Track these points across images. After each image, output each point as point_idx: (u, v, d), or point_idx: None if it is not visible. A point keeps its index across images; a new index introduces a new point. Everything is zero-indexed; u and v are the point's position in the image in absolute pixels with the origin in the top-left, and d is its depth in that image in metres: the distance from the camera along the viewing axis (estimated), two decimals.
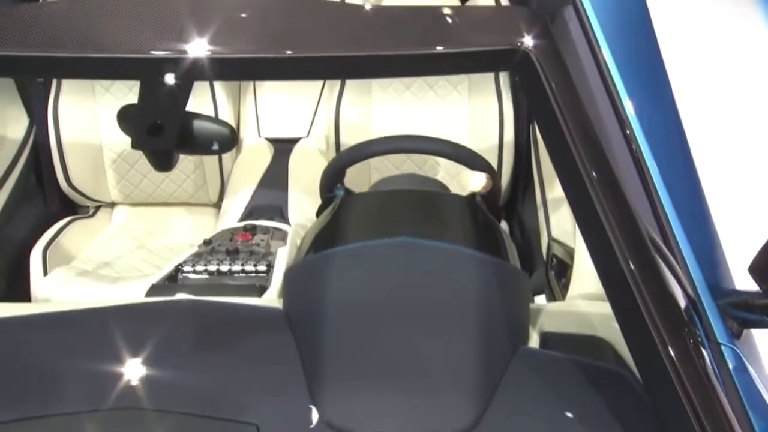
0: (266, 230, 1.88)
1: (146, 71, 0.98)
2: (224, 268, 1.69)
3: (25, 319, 1.08)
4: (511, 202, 2.34)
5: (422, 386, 0.96)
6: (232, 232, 1.87)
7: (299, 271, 1.20)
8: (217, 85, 2.29)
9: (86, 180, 2.36)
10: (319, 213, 1.62)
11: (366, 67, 1.03)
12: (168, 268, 1.71)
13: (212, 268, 1.69)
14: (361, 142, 1.66)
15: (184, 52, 0.93)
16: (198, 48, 0.93)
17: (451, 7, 1.04)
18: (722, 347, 0.92)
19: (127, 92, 2.27)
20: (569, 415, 0.94)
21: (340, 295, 1.08)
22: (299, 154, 2.43)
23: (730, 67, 1.35)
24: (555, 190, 1.90)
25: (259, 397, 0.96)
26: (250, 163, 2.38)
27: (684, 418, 0.81)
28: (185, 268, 1.69)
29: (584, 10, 1.57)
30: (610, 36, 1.46)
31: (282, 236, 1.87)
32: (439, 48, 0.98)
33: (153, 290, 1.62)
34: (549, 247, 1.75)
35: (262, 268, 1.69)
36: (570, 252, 1.58)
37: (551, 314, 1.17)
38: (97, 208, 2.48)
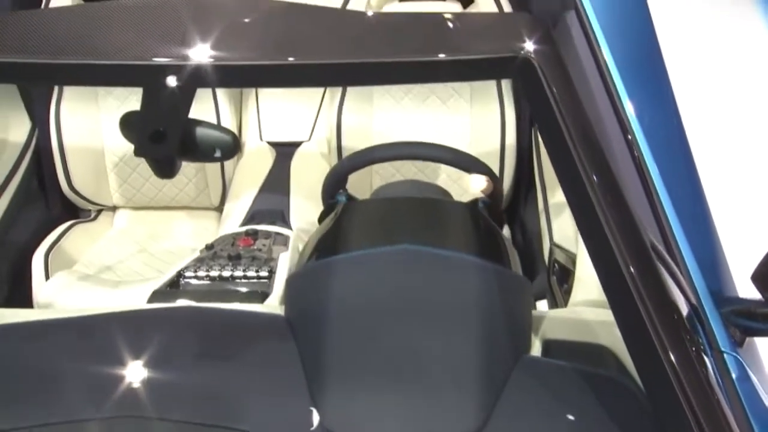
0: (268, 235, 1.88)
1: (148, 78, 0.98)
2: (226, 273, 1.69)
3: (27, 327, 1.08)
4: (512, 206, 2.34)
5: (425, 394, 0.96)
6: (234, 237, 1.87)
7: (301, 279, 1.20)
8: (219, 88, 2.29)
9: (88, 183, 2.36)
10: (321, 219, 1.62)
11: (368, 75, 1.03)
12: (170, 274, 1.71)
13: (214, 273, 1.69)
14: (363, 149, 1.66)
15: (187, 59, 0.93)
16: (200, 55, 0.93)
17: (453, 14, 1.04)
18: (725, 355, 0.92)
19: (129, 95, 2.27)
20: (571, 424, 0.94)
21: (342, 303, 1.08)
22: (301, 158, 2.43)
23: (732, 71, 1.34)
24: (557, 195, 1.90)
25: (261, 404, 0.96)
26: (252, 167, 2.38)
27: (686, 427, 0.81)
28: (187, 274, 1.69)
29: (586, 14, 1.57)
30: (612, 41, 1.46)
31: (284, 241, 1.87)
32: (441, 55, 0.98)
33: (155, 296, 1.62)
34: (551, 252, 1.75)
35: (264, 273, 1.69)
36: (572, 257, 1.58)
37: (553, 321, 1.17)
38: (99, 211, 2.48)
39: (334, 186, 1.59)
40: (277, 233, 1.91)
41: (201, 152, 1.04)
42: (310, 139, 2.49)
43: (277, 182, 2.31)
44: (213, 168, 2.34)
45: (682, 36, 1.39)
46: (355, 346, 1.02)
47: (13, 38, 0.99)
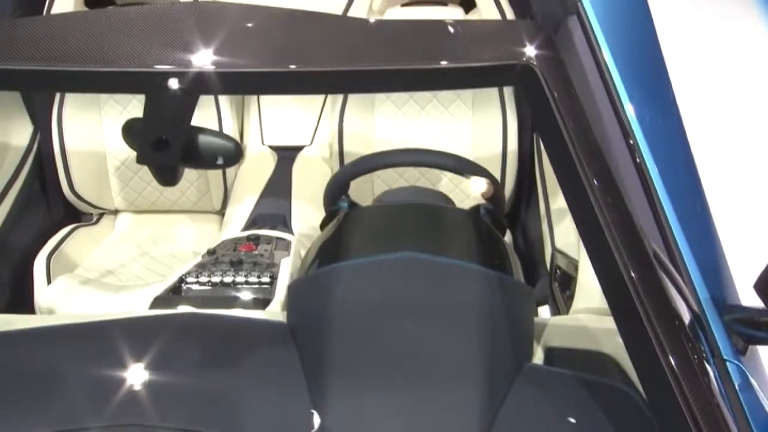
0: (269, 240, 1.88)
1: (151, 85, 0.98)
2: (228, 279, 1.68)
3: (30, 333, 1.08)
4: (514, 211, 2.33)
5: (427, 403, 0.96)
6: (236, 242, 1.87)
7: (303, 286, 1.20)
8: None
9: (90, 187, 2.36)
10: (323, 226, 1.61)
11: (369, 82, 1.03)
12: (171, 279, 1.71)
13: (216, 279, 1.69)
14: (364, 156, 1.66)
15: (189, 66, 0.93)
16: (203, 62, 0.93)
17: (454, 22, 1.04)
18: (727, 363, 0.92)
19: (131, 99, 2.27)
20: None
21: (344, 311, 1.08)
22: (302, 162, 2.43)
23: (735, 76, 1.34)
24: (558, 201, 1.90)
25: (263, 412, 0.96)
26: (253, 171, 2.38)
27: None
28: (189, 279, 1.69)
29: (588, 19, 1.57)
30: (614, 45, 1.46)
31: (285, 246, 1.87)
32: (443, 63, 0.98)
33: (157, 302, 1.62)
34: (553, 258, 1.75)
35: (265, 279, 1.68)
36: (574, 263, 1.58)
37: (556, 329, 1.16)
38: (101, 215, 2.48)
39: (335, 193, 1.59)
40: (279, 238, 1.90)
41: (203, 160, 1.04)
42: (311, 143, 2.49)
43: (279, 187, 2.31)
44: (215, 172, 2.34)
45: (684, 41, 1.39)
46: (356, 354, 1.02)
47: (16, 45, 0.99)
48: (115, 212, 2.48)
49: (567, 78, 1.02)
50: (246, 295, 1.66)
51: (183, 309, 1.58)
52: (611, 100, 1.34)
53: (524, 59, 0.98)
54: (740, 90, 1.32)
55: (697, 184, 1.13)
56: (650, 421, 0.91)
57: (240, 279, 1.68)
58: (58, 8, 2.26)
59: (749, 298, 0.95)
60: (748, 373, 0.91)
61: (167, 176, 1.04)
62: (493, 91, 2.24)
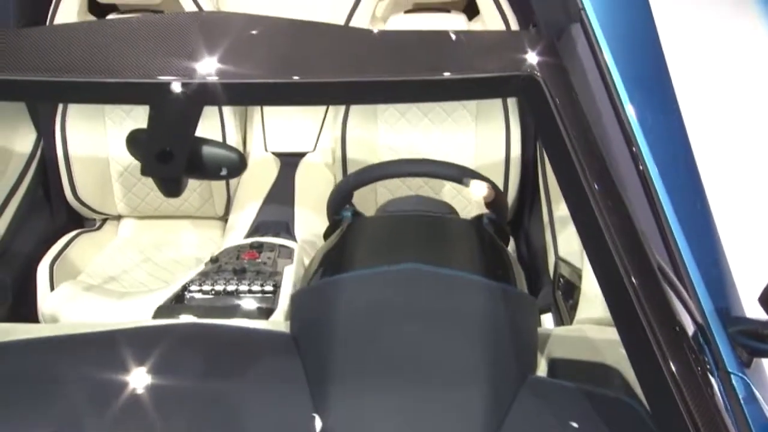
0: (272, 248, 1.88)
1: (155, 97, 0.98)
2: (231, 288, 1.68)
3: (34, 343, 1.08)
4: (517, 218, 2.33)
5: (432, 415, 0.96)
6: (239, 249, 1.87)
7: (307, 297, 1.20)
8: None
9: (93, 193, 2.36)
10: (326, 235, 1.61)
11: (371, 94, 1.03)
12: (175, 287, 1.71)
13: (219, 288, 1.69)
14: (368, 166, 1.66)
15: (194, 77, 0.93)
16: (207, 74, 0.94)
17: (457, 33, 1.04)
18: (731, 376, 0.92)
19: (135, 106, 2.28)
20: None
21: (348, 322, 1.08)
22: (305, 169, 2.43)
23: (740, 83, 1.34)
24: (561, 209, 1.89)
25: (267, 423, 0.96)
26: (256, 178, 2.38)
27: None
28: (192, 288, 1.69)
29: (591, 27, 1.57)
30: (617, 53, 1.46)
31: (288, 254, 1.87)
32: (446, 74, 0.98)
33: (160, 312, 1.62)
34: (556, 266, 1.75)
35: (268, 288, 1.68)
36: (577, 272, 1.57)
37: (559, 340, 1.16)
38: (104, 221, 2.49)
39: (339, 202, 1.59)
40: (282, 246, 1.90)
41: (207, 171, 1.04)
42: (314, 149, 2.49)
43: (282, 193, 2.31)
44: None
45: (688, 48, 1.38)
46: (360, 365, 1.02)
47: (20, 56, 1.00)
48: (118, 218, 2.48)
49: (570, 89, 1.02)
50: (249, 303, 1.66)
51: (186, 318, 1.58)
52: (614, 108, 1.34)
53: (528, 71, 0.98)
54: (747, 98, 1.32)
55: (701, 195, 1.12)
56: None
57: (243, 288, 1.68)
58: (61, 15, 2.27)
59: (754, 310, 0.95)
60: (752, 386, 0.91)
61: (171, 188, 1.04)
62: (497, 99, 2.24)
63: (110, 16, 2.38)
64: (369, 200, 2.21)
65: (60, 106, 2.30)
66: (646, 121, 1.27)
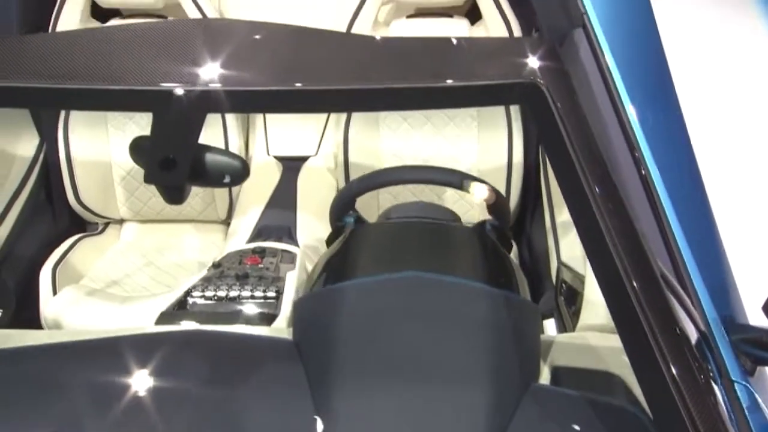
0: (275, 253, 1.88)
1: (159, 104, 0.98)
2: (233, 293, 1.69)
3: (36, 350, 1.08)
4: (520, 223, 2.33)
5: (435, 424, 0.96)
6: (241, 255, 1.87)
7: (310, 304, 1.20)
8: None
9: (95, 197, 2.37)
10: (329, 242, 1.62)
11: (374, 101, 1.03)
12: (177, 293, 1.71)
13: (222, 293, 1.69)
14: (371, 173, 1.66)
15: (198, 85, 0.93)
16: (211, 81, 0.94)
17: (459, 39, 1.04)
18: (735, 384, 0.91)
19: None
20: None
21: (350, 329, 1.08)
22: (308, 173, 2.43)
23: (744, 87, 1.34)
24: (564, 213, 1.89)
25: (269, 431, 0.96)
26: (258, 182, 2.38)
27: None
28: (195, 293, 1.69)
29: (594, 32, 1.56)
30: (620, 58, 1.45)
31: (291, 259, 1.87)
32: (449, 81, 0.98)
33: (163, 318, 1.62)
34: (558, 272, 1.75)
35: (271, 294, 1.68)
36: (580, 278, 1.57)
37: (562, 348, 1.16)
38: (106, 224, 2.49)
39: (341, 209, 1.59)
40: (285, 251, 1.91)
41: (210, 178, 1.04)
42: (316, 154, 2.49)
43: (284, 198, 2.31)
44: None
45: (691, 53, 1.38)
46: (363, 373, 1.02)
47: (23, 62, 1.00)
48: (121, 222, 2.49)
49: (573, 95, 1.02)
50: (252, 309, 1.66)
51: (188, 325, 1.58)
52: (617, 114, 1.33)
53: (530, 78, 0.98)
54: (752, 103, 1.32)
55: (705, 201, 1.12)
56: None
57: (246, 293, 1.68)
58: (64, 20, 2.28)
59: (757, 318, 0.95)
60: (756, 395, 0.91)
61: (174, 195, 1.04)
62: None
63: (113, 21, 2.38)
64: (371, 204, 2.21)
65: (63, 111, 2.31)
66: (649, 127, 1.27)
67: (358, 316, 1.11)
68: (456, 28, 2.30)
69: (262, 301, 1.67)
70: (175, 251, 2.38)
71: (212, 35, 1.05)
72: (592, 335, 1.24)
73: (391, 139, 2.27)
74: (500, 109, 2.23)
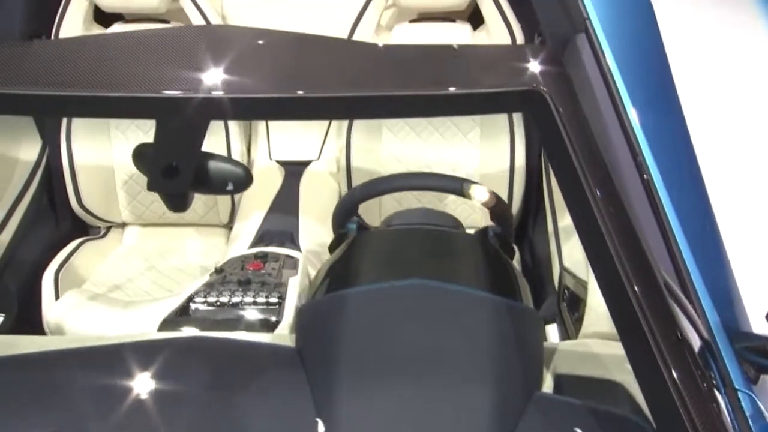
0: (277, 258, 1.88)
1: (162, 111, 0.98)
2: (236, 299, 1.68)
3: (39, 357, 1.08)
4: (522, 228, 2.33)
5: None
6: (243, 260, 1.87)
7: (312, 311, 1.20)
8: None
9: (98, 201, 2.37)
10: (331, 248, 1.61)
11: (377, 108, 1.03)
12: (179, 298, 1.71)
13: (224, 299, 1.69)
14: (374, 180, 1.66)
15: (201, 92, 0.93)
16: (214, 88, 0.94)
17: (463, 47, 1.04)
18: (738, 393, 0.91)
19: None
20: None
21: (353, 338, 1.08)
22: (310, 178, 2.43)
23: (748, 93, 1.34)
24: (566, 219, 1.89)
25: None
26: (261, 186, 2.38)
27: None
28: (197, 299, 1.69)
29: (597, 37, 1.56)
30: (623, 64, 1.45)
31: (293, 264, 1.87)
32: (451, 89, 0.98)
33: (165, 325, 1.62)
34: (561, 277, 1.74)
35: (273, 300, 1.68)
36: (583, 284, 1.57)
37: (565, 355, 1.16)
38: (108, 228, 2.49)
39: (343, 216, 1.59)
40: (287, 256, 1.90)
41: (213, 185, 1.04)
42: (319, 158, 2.49)
43: (287, 202, 2.31)
44: None
45: (693, 57, 1.38)
46: (365, 381, 1.02)
47: (26, 70, 1.00)
48: (123, 225, 2.49)
49: (576, 102, 1.02)
50: (254, 315, 1.66)
51: (191, 332, 1.58)
52: (619, 119, 1.33)
53: (533, 85, 0.98)
54: (756, 105, 1.32)
55: (708, 207, 1.12)
56: None
57: (248, 299, 1.68)
58: (67, 25, 2.28)
59: (761, 326, 0.94)
60: (759, 403, 0.90)
61: (177, 203, 1.04)
62: None
63: (115, 25, 2.39)
64: (373, 209, 2.21)
65: None
66: (652, 132, 1.26)
67: (361, 324, 1.11)
68: (458, 32, 2.30)
69: (264, 307, 1.67)
70: (177, 255, 2.38)
71: (215, 42, 1.05)
72: (595, 342, 1.24)
73: (393, 143, 2.27)
74: (502, 115, 2.23)
